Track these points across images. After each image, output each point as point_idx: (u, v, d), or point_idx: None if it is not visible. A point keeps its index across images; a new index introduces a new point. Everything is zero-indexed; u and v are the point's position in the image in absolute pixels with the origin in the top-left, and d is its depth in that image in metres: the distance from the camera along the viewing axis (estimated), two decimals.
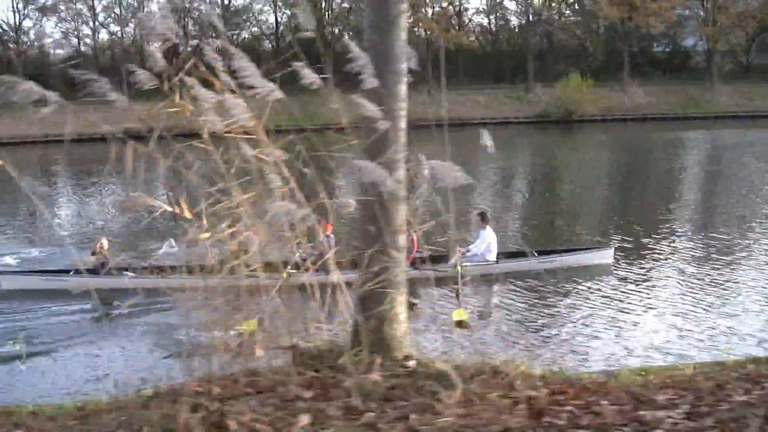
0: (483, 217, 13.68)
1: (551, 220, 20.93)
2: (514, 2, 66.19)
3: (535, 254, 13.76)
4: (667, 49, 68.15)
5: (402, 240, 4.18)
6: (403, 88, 4.12)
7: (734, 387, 3.72)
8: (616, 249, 14.60)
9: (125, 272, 12.96)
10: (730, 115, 54.25)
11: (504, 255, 13.88)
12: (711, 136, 45.79)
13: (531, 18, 63.70)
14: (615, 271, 13.69)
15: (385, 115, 3.95)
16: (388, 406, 3.41)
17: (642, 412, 3.31)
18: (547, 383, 3.67)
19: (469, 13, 66.40)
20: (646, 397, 3.54)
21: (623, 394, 3.57)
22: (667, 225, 18.44)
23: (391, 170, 3.93)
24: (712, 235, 17.04)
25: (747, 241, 16.52)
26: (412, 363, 3.89)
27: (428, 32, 57.50)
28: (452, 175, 3.98)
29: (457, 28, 64.20)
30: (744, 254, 15.31)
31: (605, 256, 13.97)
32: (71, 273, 13.06)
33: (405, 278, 4.24)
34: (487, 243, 13.39)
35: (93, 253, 13.59)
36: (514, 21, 66.92)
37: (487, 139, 4.40)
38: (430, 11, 58.79)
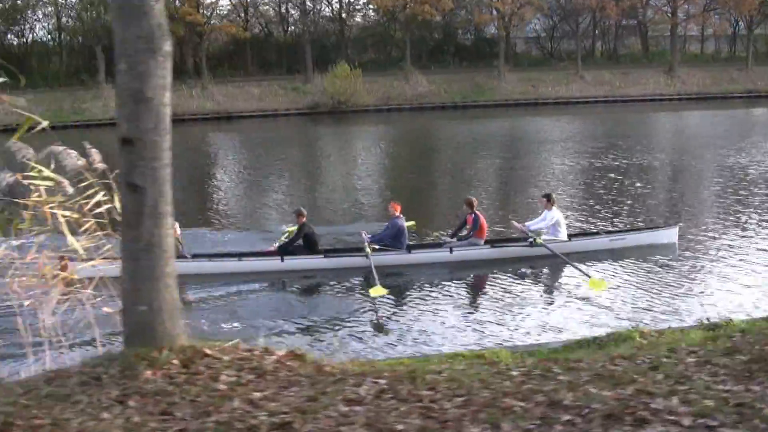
0: (549, 199, 14.13)
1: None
2: None
3: (604, 233, 14.49)
4: (471, 37, 65.40)
5: (163, 233, 4.45)
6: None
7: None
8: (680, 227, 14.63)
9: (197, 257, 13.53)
10: (512, 103, 51.89)
11: (575, 234, 14.50)
12: (463, 125, 43.11)
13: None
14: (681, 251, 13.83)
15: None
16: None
17: None
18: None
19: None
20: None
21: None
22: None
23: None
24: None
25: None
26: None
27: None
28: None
29: (243, 18, 59.63)
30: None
31: (671, 235, 14.21)
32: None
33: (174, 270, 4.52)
34: (554, 221, 13.89)
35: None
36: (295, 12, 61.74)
37: None
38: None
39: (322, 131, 43.70)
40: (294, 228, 13.98)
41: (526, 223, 14.11)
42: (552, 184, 21.33)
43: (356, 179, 24.63)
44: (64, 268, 12.32)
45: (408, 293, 12.16)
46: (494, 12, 56.52)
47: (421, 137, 40.13)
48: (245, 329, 10.18)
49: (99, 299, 6.66)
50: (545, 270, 13.37)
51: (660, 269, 12.70)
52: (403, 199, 16.11)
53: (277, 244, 13.78)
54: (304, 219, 13.53)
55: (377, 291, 11.37)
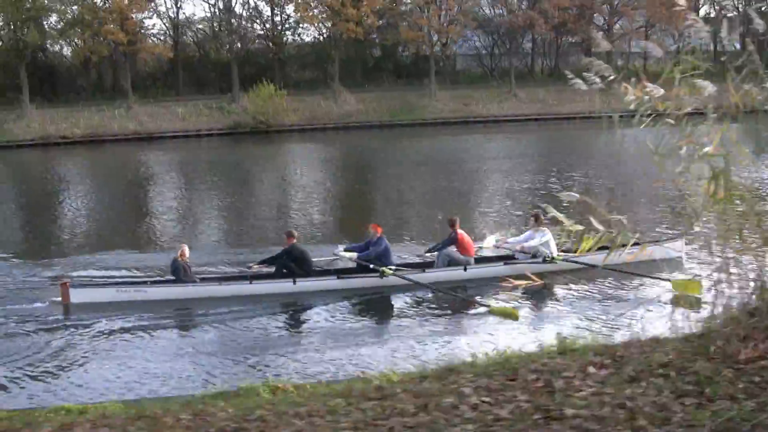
0: (536, 219, 13.94)
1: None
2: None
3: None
4: (410, 55, 64.61)
5: None
6: None
7: None
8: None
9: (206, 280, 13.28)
10: (441, 122, 51.08)
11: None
12: (386, 144, 42.41)
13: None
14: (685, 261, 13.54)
15: None
16: None
17: None
18: None
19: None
20: None
21: None
22: None
23: None
24: None
25: None
26: None
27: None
28: None
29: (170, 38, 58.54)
30: None
31: (678, 248, 13.73)
32: (148, 283, 13.02)
33: None
34: (545, 240, 13.60)
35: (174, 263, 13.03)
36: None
37: None
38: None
39: (240, 152, 42.67)
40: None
41: (509, 240, 14.24)
42: (448, 204, 20.77)
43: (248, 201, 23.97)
44: (64, 293, 12.07)
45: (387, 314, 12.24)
46: (424, 29, 55.63)
47: (335, 157, 39.22)
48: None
49: None
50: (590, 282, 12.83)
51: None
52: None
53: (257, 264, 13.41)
54: (294, 240, 13.26)
55: (504, 312, 11.13)
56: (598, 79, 5.44)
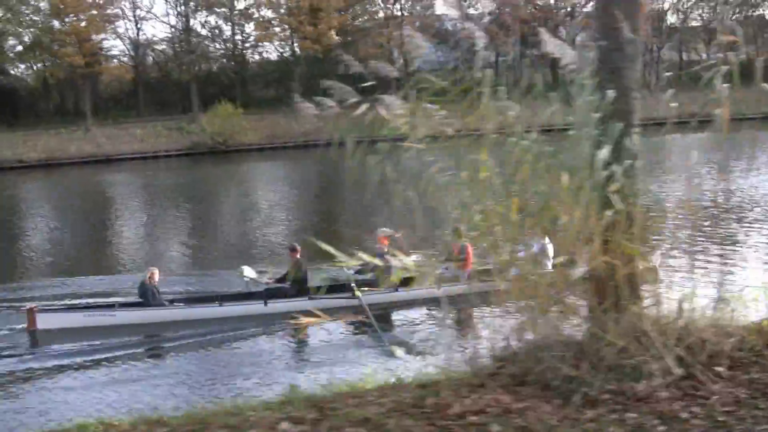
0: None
1: None
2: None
3: None
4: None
5: None
6: None
7: None
8: None
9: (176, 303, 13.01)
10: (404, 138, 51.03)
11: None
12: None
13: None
14: None
15: None
16: None
17: None
18: None
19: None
20: None
21: None
22: None
23: None
24: None
25: None
26: None
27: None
28: None
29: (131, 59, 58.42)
30: None
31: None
32: (116, 306, 12.85)
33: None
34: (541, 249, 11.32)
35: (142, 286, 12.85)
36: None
37: None
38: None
39: (197, 172, 42.57)
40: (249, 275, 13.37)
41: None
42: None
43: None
44: (31, 319, 12.00)
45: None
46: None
47: (288, 176, 39.15)
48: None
49: None
50: None
51: None
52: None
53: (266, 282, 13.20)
54: (298, 255, 13.00)
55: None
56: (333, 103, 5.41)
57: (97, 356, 11.17)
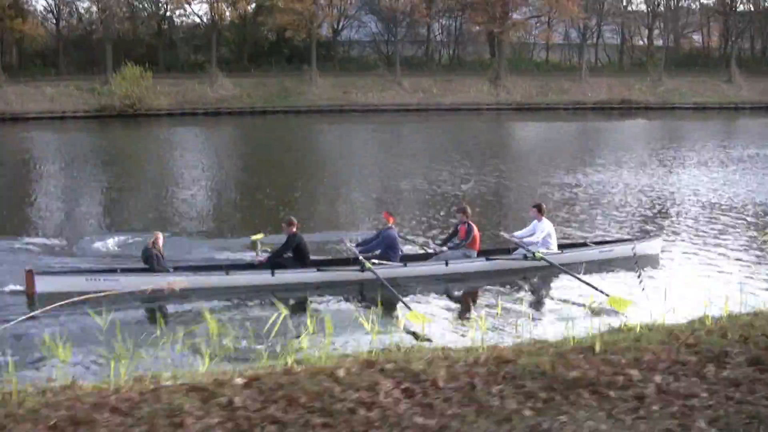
0: (539, 209, 13.50)
1: None
2: None
3: (593, 245, 13.91)
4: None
5: None
6: None
7: None
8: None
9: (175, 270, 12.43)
10: (317, 110, 49.99)
11: (564, 246, 13.82)
12: (252, 131, 41.19)
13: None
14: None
15: None
16: None
17: None
18: None
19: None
20: None
21: None
22: None
23: None
24: None
25: None
26: None
27: None
28: None
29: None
30: None
31: (655, 246, 13.98)
32: (118, 271, 12.19)
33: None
34: (545, 233, 13.33)
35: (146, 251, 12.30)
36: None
37: None
38: None
39: (104, 136, 40.78)
40: (259, 236, 13.58)
41: (516, 234, 13.63)
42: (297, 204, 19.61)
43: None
44: (29, 281, 11.38)
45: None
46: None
47: (190, 143, 37.66)
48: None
49: None
50: (545, 283, 12.44)
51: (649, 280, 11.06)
52: None
53: (262, 256, 12.82)
54: (295, 228, 12.39)
55: (416, 317, 9.86)
56: None
57: (99, 322, 10.07)
